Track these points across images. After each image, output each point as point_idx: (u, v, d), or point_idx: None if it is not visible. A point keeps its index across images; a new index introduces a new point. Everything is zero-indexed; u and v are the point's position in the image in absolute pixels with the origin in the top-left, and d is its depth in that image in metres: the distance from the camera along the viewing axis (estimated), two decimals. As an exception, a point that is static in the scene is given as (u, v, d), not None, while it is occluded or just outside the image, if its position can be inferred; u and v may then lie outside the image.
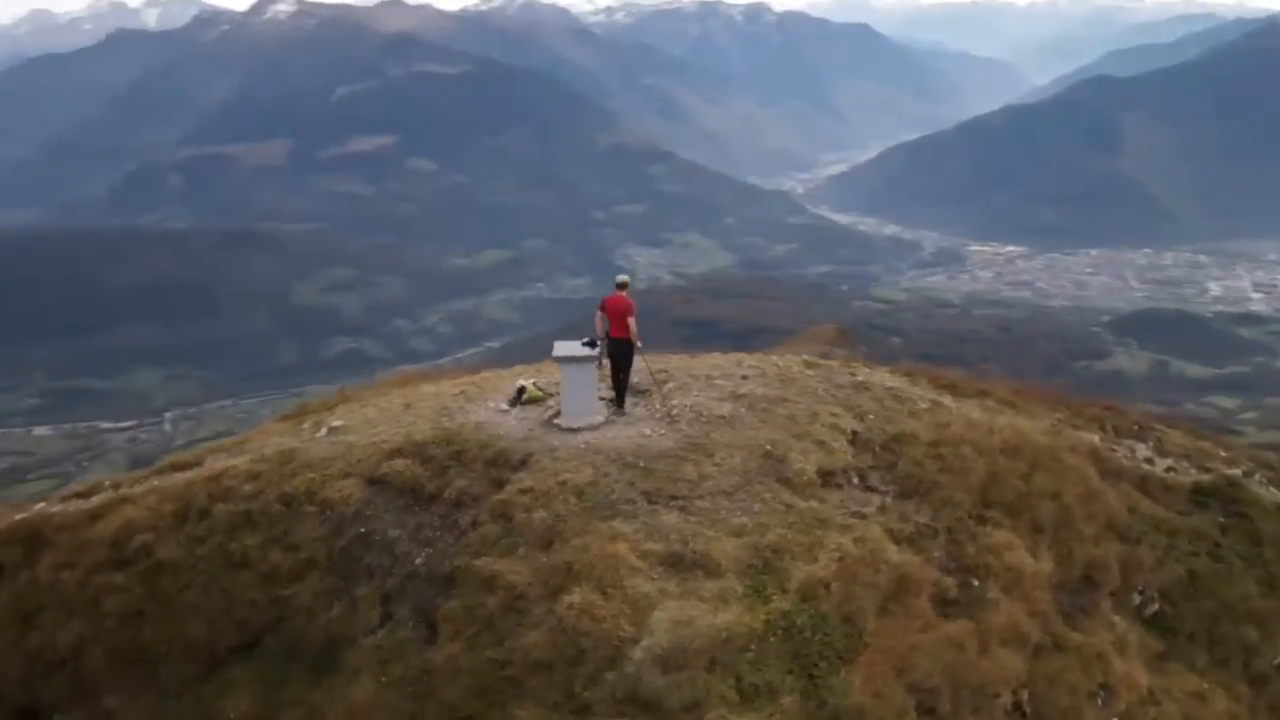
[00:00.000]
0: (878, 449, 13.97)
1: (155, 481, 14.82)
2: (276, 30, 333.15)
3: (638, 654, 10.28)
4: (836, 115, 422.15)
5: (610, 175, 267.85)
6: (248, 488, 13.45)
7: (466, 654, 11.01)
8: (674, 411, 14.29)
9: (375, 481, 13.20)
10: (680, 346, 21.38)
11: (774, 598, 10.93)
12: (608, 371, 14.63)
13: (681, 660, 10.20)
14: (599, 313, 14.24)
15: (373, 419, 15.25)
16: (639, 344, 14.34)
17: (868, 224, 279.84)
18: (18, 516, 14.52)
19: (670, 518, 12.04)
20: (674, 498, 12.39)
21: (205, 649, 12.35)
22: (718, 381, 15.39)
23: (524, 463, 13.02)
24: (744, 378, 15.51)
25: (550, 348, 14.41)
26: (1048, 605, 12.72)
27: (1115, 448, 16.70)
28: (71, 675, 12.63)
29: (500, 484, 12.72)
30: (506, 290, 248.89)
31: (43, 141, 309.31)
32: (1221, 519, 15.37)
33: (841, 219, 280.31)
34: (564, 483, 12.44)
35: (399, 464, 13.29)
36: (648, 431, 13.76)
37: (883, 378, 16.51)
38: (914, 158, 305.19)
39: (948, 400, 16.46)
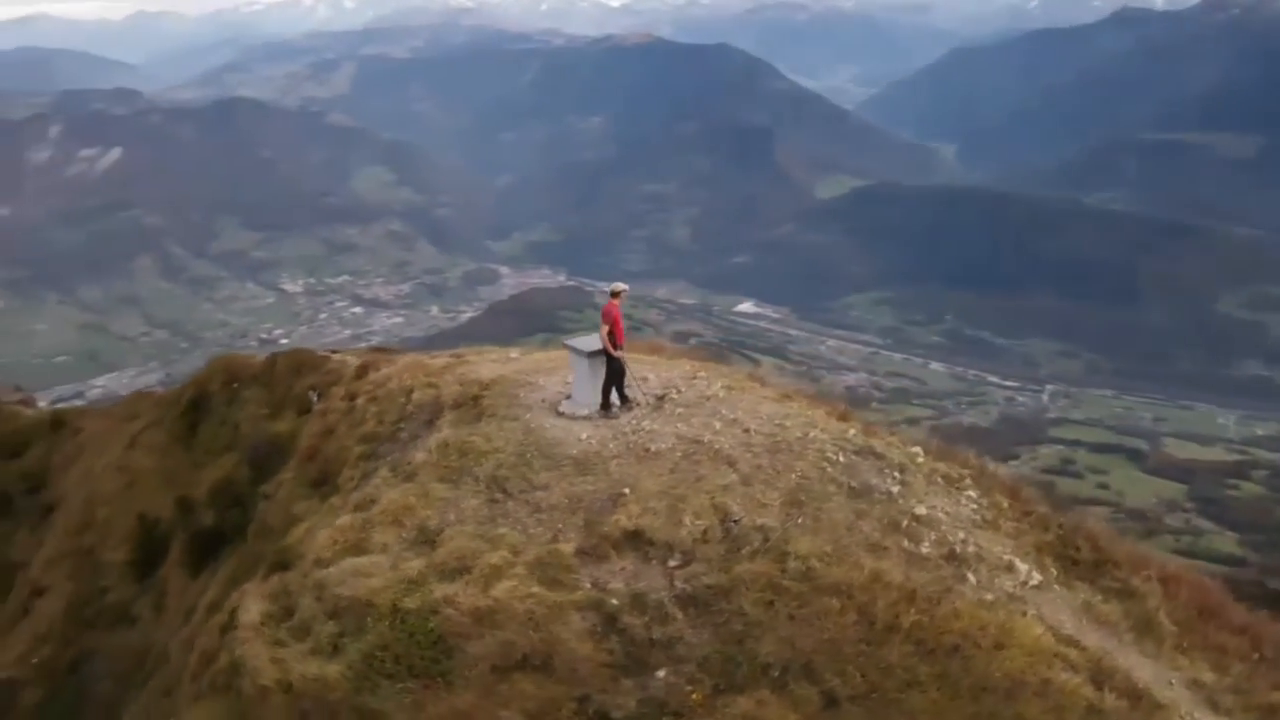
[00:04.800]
0: (743, 551, 11.47)
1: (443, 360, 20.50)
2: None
3: (314, 574, 12.19)
4: None
5: None
6: (406, 374, 18.22)
7: (315, 529, 14.20)
8: (629, 429, 13.92)
9: (439, 395, 16.56)
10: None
11: (417, 598, 11.26)
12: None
13: (322, 596, 11.77)
14: None
15: (526, 358, 18.25)
16: (615, 352, 14.34)
17: None
18: (367, 357, 22.00)
19: (474, 502, 12.84)
20: (504, 491, 12.97)
21: (326, 466, 17.85)
22: (715, 422, 13.93)
23: (480, 419, 14.84)
24: (744, 430, 13.61)
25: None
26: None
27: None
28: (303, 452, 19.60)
29: (452, 424, 14.92)
30: None
31: (1011, 108, 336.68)
32: None
33: None
34: (466, 444, 14.06)
35: (455, 388, 16.38)
36: (585, 436, 13.91)
37: (933, 502, 12.28)
38: None
39: (1016, 566, 11.49)
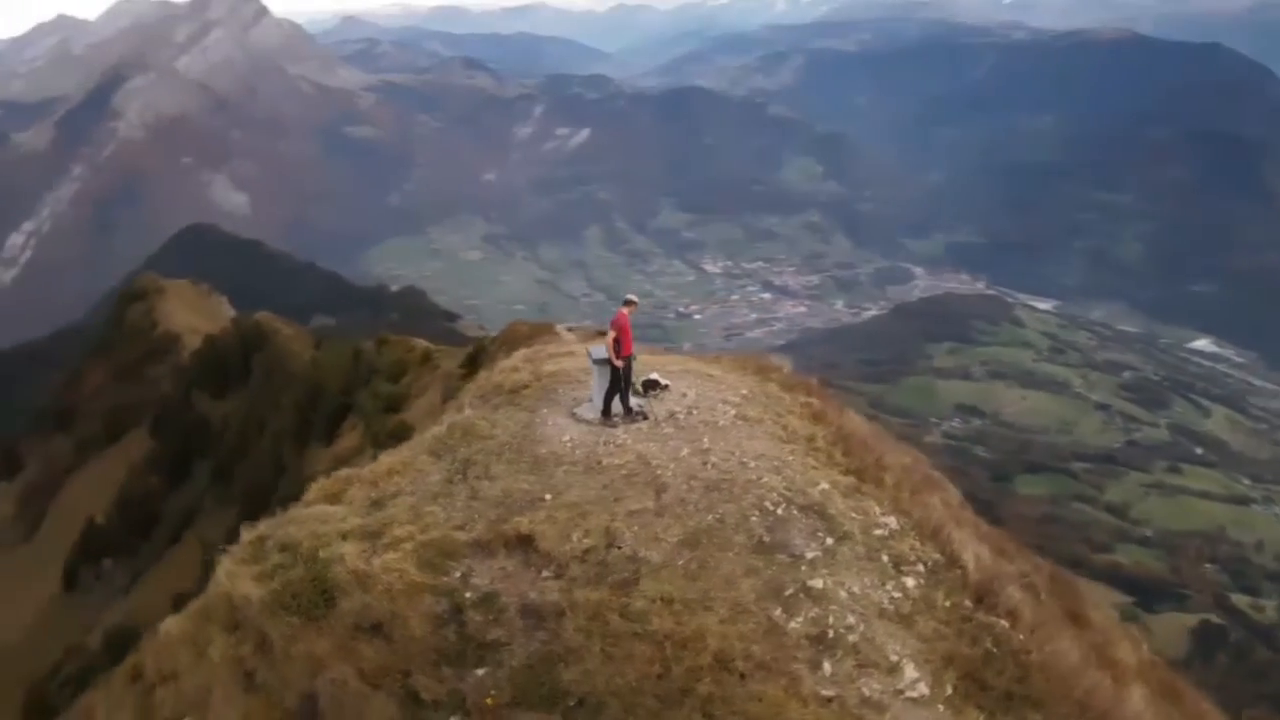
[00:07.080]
0: (607, 578, 11.05)
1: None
2: None
3: (294, 512, 13.92)
4: None
5: None
6: (518, 357, 19.51)
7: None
8: (603, 440, 13.84)
9: (506, 380, 17.60)
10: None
11: (331, 550, 12.43)
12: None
13: (285, 531, 13.45)
14: None
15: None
16: (617, 361, 14.20)
17: None
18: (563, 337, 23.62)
19: (437, 479, 13.78)
20: (463, 475, 13.72)
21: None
22: (686, 448, 13.27)
23: (505, 407, 15.69)
24: (704, 463, 12.77)
25: None
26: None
27: None
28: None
29: (488, 407, 15.91)
30: None
31: None
32: None
33: None
34: (471, 427, 15.01)
35: (522, 375, 17.33)
36: (566, 439, 14.09)
37: (845, 578, 10.61)
38: None
39: (903, 671, 9.73)
